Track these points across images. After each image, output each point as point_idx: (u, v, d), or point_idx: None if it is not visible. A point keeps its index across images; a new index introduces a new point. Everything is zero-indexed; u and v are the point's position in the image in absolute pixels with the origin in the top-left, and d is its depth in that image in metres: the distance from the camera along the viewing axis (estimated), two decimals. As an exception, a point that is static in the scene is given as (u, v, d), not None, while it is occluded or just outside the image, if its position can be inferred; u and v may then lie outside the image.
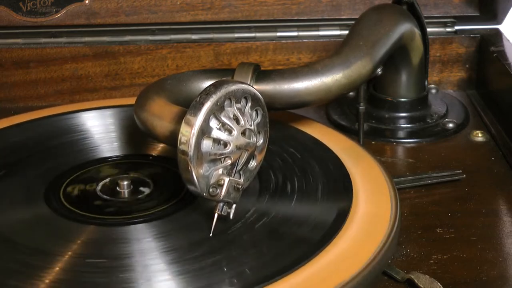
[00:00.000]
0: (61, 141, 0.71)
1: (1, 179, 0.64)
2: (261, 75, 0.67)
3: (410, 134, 0.78)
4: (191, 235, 0.56)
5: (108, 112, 0.75)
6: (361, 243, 0.55)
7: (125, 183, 0.63)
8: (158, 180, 0.65)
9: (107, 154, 0.70)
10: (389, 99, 0.80)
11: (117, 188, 0.63)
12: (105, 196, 0.63)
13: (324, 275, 0.51)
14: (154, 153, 0.70)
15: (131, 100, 0.65)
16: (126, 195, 0.63)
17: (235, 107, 0.55)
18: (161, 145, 0.70)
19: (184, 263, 0.52)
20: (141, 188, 0.64)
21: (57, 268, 0.52)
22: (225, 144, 0.55)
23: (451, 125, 0.78)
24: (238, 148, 0.55)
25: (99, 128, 0.73)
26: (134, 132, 0.67)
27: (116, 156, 0.70)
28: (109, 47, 0.87)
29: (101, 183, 0.64)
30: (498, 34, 0.88)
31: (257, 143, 0.57)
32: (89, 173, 0.66)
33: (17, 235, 0.57)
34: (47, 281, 0.51)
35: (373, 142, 0.76)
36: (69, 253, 0.54)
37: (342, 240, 0.55)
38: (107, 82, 0.88)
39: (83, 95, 0.88)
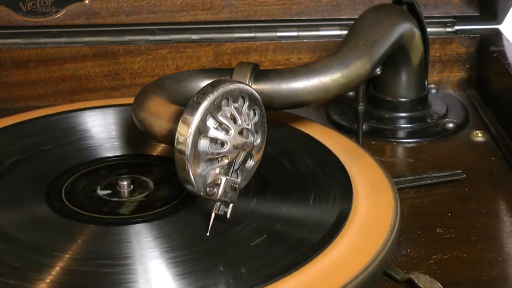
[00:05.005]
0: (61, 140, 0.71)
1: (1, 179, 0.64)
2: (259, 74, 0.67)
3: (410, 134, 0.78)
4: (191, 236, 0.56)
5: (109, 111, 0.75)
6: (361, 243, 0.55)
7: (125, 183, 0.63)
8: (158, 180, 0.65)
9: (108, 153, 0.70)
10: (389, 99, 0.80)
11: (117, 188, 0.63)
12: (105, 196, 0.63)
13: (324, 275, 0.51)
14: (154, 153, 0.70)
15: (132, 100, 0.64)
16: (126, 195, 0.63)
17: (232, 107, 0.55)
18: (162, 145, 0.70)
19: (183, 263, 0.52)
20: (141, 188, 0.64)
21: (57, 268, 0.52)
22: (222, 144, 0.55)
23: (451, 125, 0.78)
24: (235, 147, 0.55)
25: (100, 127, 0.73)
26: (135, 132, 0.67)
27: (117, 156, 0.70)
28: (109, 47, 0.87)
29: (101, 183, 0.64)
30: (498, 34, 0.88)
31: (254, 143, 0.57)
32: (90, 173, 0.66)
33: (17, 234, 0.57)
34: (47, 280, 0.51)
35: (373, 142, 0.76)
36: (69, 252, 0.54)
37: (342, 240, 0.55)
38: (107, 82, 0.88)
39: (83, 95, 0.88)
